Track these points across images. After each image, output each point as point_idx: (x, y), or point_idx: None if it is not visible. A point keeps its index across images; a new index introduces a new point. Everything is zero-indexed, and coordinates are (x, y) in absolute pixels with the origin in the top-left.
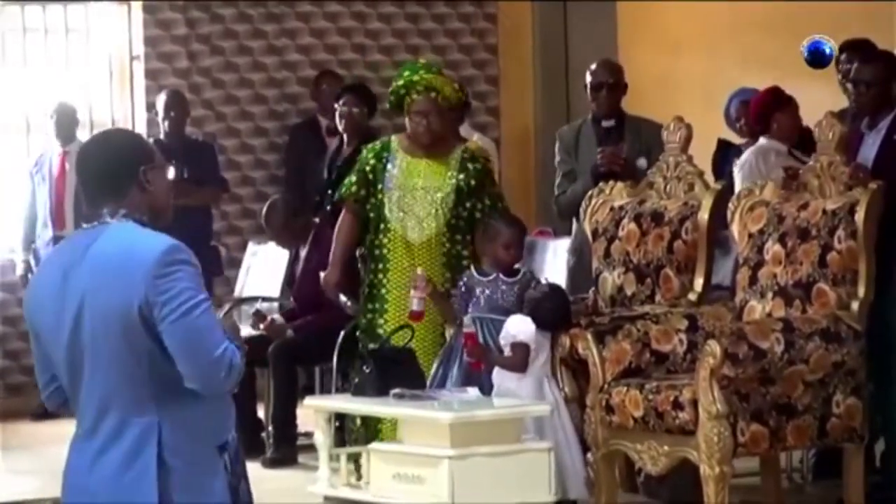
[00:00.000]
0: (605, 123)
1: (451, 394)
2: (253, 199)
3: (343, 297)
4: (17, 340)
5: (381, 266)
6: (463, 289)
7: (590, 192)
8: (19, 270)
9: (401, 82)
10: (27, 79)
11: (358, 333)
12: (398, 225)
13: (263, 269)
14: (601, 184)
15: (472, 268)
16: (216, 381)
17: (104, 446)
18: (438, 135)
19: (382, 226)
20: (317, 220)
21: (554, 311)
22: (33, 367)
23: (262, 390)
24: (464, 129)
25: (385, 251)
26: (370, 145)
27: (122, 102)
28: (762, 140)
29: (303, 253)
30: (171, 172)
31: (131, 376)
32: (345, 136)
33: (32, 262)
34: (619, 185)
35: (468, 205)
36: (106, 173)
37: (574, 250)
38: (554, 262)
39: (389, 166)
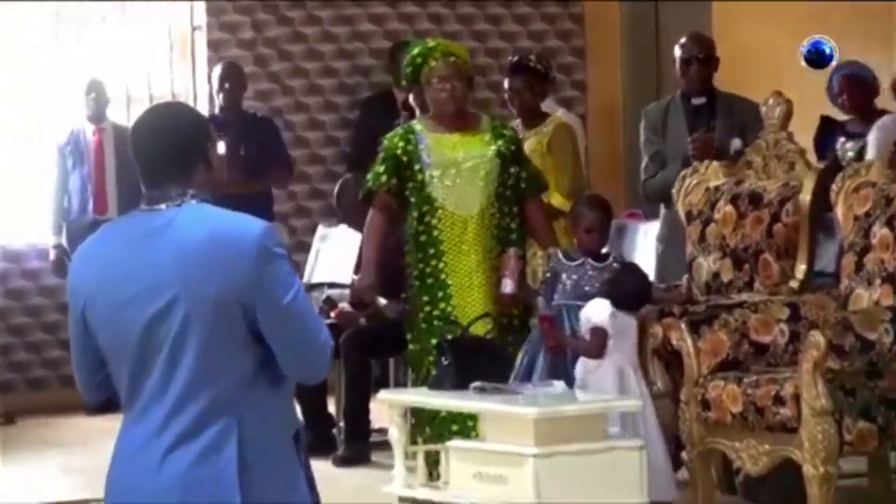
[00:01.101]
0: (694, 101)
1: (536, 388)
2: (322, 179)
3: (381, 300)
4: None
5: (433, 251)
6: (549, 274)
7: (683, 173)
8: (51, 255)
9: (416, 51)
10: (84, 52)
11: (408, 335)
12: (447, 201)
13: (334, 254)
14: (695, 163)
15: (560, 252)
16: (321, 366)
17: (175, 443)
18: (463, 102)
19: (428, 207)
20: None
21: (631, 287)
22: None
23: (333, 384)
24: (547, 104)
25: (436, 233)
26: (391, 133)
27: (182, 75)
28: None
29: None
30: (221, 147)
31: (217, 371)
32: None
33: (66, 247)
34: (715, 164)
35: (512, 171)
36: (176, 150)
37: (662, 238)
38: (644, 246)
39: (421, 146)
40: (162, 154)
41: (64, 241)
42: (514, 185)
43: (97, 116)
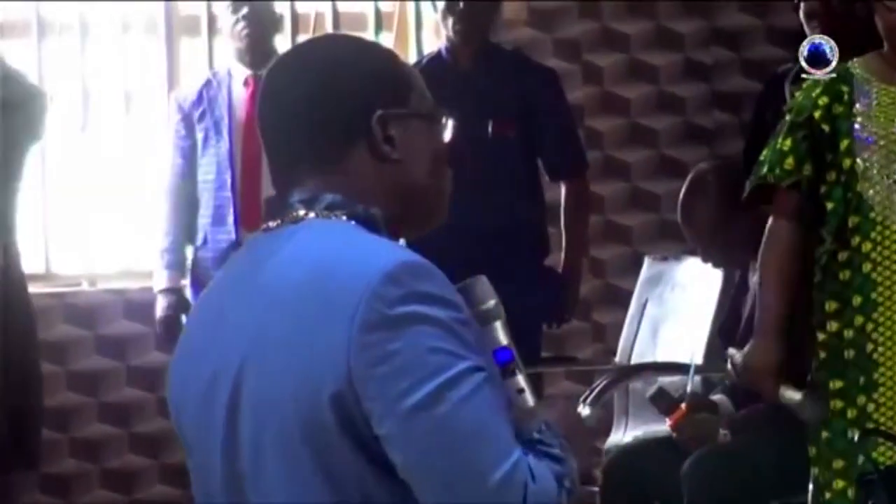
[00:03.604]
0: None
1: None
2: (646, 170)
3: (790, 393)
4: None
5: (858, 301)
6: None
7: None
8: (158, 311)
9: None
10: None
11: (815, 448)
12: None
13: (675, 312)
14: None
15: None
16: None
17: None
18: None
19: (856, 220)
20: None
21: None
22: None
23: None
24: None
25: (868, 268)
26: (809, 80)
27: None
28: None
29: (754, 278)
30: (447, 128)
31: None
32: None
33: (190, 295)
34: None
35: None
36: (310, 114)
37: None
38: None
39: (858, 105)
40: (289, 124)
41: (187, 282)
42: None
43: (255, 53)
